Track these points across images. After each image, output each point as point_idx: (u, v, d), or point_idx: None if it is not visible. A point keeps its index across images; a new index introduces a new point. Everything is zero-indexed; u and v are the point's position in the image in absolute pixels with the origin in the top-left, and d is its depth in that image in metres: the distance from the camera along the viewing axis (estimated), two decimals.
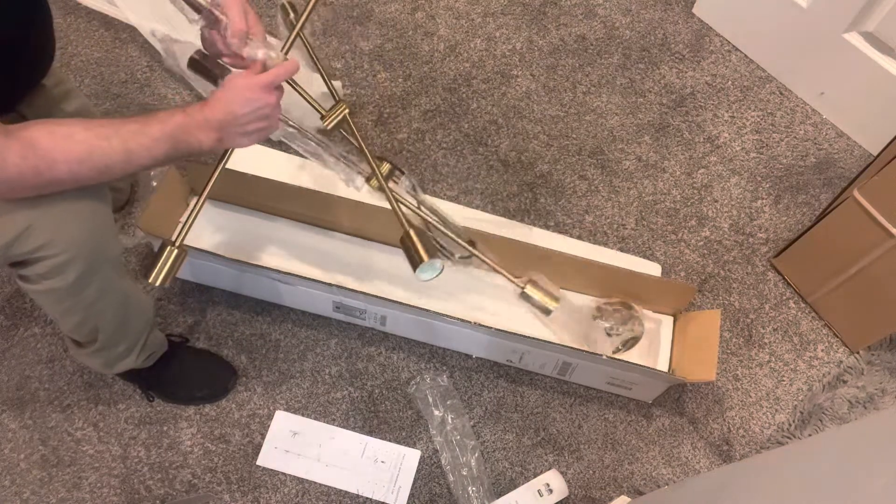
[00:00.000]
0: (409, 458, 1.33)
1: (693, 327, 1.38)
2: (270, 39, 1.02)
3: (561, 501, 1.32)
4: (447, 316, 1.28)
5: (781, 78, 1.86)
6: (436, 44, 1.86)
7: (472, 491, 1.30)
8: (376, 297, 1.30)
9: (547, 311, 1.25)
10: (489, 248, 1.32)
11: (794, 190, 1.70)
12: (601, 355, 1.29)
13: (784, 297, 1.56)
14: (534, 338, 1.29)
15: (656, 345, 1.41)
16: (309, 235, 1.45)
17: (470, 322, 1.28)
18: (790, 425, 1.41)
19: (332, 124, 1.16)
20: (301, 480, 1.30)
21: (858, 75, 1.67)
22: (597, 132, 1.75)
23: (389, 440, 1.35)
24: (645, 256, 1.59)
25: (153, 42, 1.69)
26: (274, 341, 1.42)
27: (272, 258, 1.41)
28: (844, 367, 1.48)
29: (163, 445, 1.31)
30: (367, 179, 1.19)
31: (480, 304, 1.39)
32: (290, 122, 1.15)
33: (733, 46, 1.91)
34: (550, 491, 1.31)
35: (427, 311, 1.29)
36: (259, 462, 1.31)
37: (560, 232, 1.60)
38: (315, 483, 1.30)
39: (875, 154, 1.47)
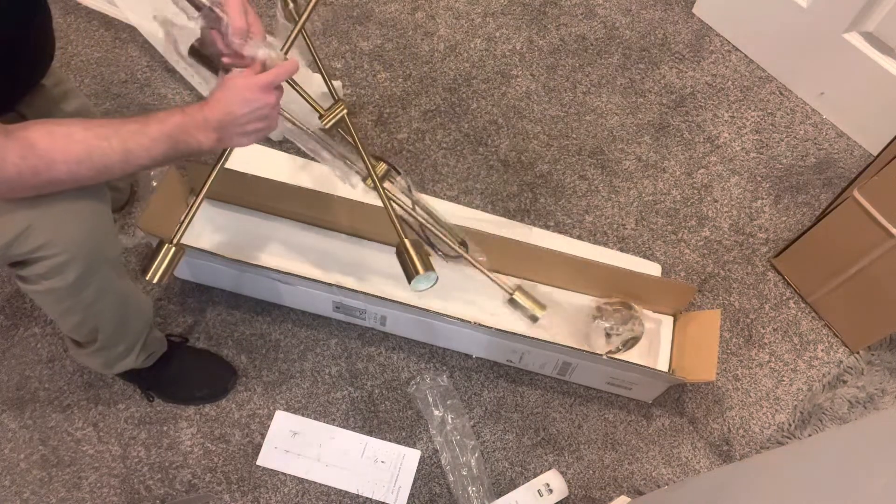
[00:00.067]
0: (409, 458, 1.33)
1: (693, 327, 1.38)
2: (270, 39, 1.02)
3: (561, 501, 1.32)
4: (447, 316, 1.28)
5: (781, 78, 1.86)
6: (436, 44, 1.86)
7: (472, 491, 1.30)
8: (376, 297, 1.29)
9: (534, 319, 1.26)
10: (491, 248, 1.32)
11: (794, 190, 1.70)
12: (601, 355, 1.29)
13: (784, 297, 1.56)
14: (534, 338, 1.29)
15: (656, 345, 1.41)
16: (309, 235, 1.45)
17: (470, 322, 1.28)
18: (790, 425, 1.41)
19: (330, 123, 1.16)
20: (301, 480, 1.30)
21: (858, 75, 1.67)
22: (597, 132, 1.75)
23: (389, 440, 1.35)
24: (645, 256, 1.58)
25: (152, 34, 1.68)
26: (274, 341, 1.42)
27: (272, 258, 1.41)
28: (844, 367, 1.48)
29: (163, 445, 1.31)
30: (364, 179, 1.20)
31: (480, 303, 1.39)
32: (290, 117, 1.15)
33: (733, 46, 1.91)
34: (550, 491, 1.31)
35: (427, 311, 1.29)
36: (259, 462, 1.31)
37: (560, 232, 1.60)
38: (315, 483, 1.30)
39: (875, 154, 1.47)
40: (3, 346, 1.37)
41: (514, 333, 1.29)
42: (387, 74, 1.79)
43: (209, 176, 1.04)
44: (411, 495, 1.30)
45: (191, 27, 0.99)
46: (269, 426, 1.34)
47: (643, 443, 1.39)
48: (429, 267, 1.06)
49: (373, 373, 1.41)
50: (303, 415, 1.35)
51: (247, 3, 0.98)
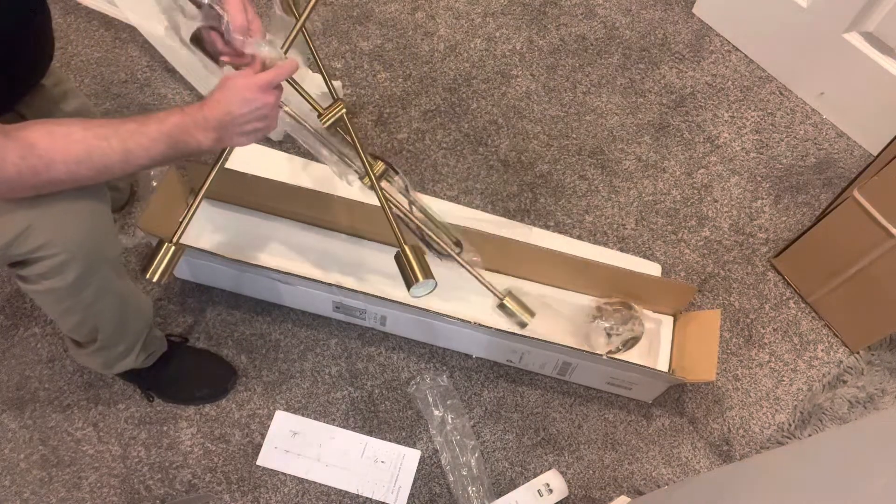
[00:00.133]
0: (409, 458, 1.33)
1: (693, 327, 1.38)
2: (269, 37, 1.02)
3: (561, 501, 1.32)
4: (447, 316, 1.28)
5: (781, 78, 1.86)
6: (436, 44, 1.86)
7: (472, 491, 1.29)
8: (376, 296, 1.29)
9: (523, 325, 1.26)
10: (491, 248, 1.32)
11: (794, 190, 1.70)
12: (601, 355, 1.29)
13: (784, 297, 1.56)
14: (534, 338, 1.29)
15: (656, 345, 1.41)
16: (309, 235, 1.45)
17: (470, 322, 1.28)
18: (790, 425, 1.41)
19: (329, 122, 1.16)
20: (301, 480, 1.30)
21: (858, 75, 1.67)
22: (597, 132, 1.75)
23: (389, 440, 1.35)
24: (645, 256, 1.58)
25: (152, 34, 1.68)
26: (274, 341, 1.42)
27: (272, 258, 1.41)
28: (844, 367, 1.48)
29: (163, 445, 1.31)
30: (361, 177, 1.20)
31: (480, 303, 1.39)
32: (291, 112, 1.15)
33: (733, 46, 1.91)
34: (550, 491, 1.31)
35: (427, 311, 1.29)
36: (259, 462, 1.31)
37: (560, 232, 1.60)
38: (315, 483, 1.30)
39: (875, 154, 1.47)
40: (3, 346, 1.37)
41: (514, 333, 1.29)
42: (387, 74, 1.79)
43: (209, 176, 1.04)
44: (411, 495, 1.30)
45: (194, 12, 0.99)
46: (269, 426, 1.34)
47: (643, 443, 1.39)
48: (428, 274, 1.07)
49: (373, 373, 1.41)
50: (303, 415, 1.35)
51: (246, 1, 0.99)
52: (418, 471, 1.32)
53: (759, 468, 0.81)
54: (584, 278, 1.42)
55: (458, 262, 1.24)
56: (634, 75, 1.85)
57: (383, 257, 1.43)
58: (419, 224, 1.23)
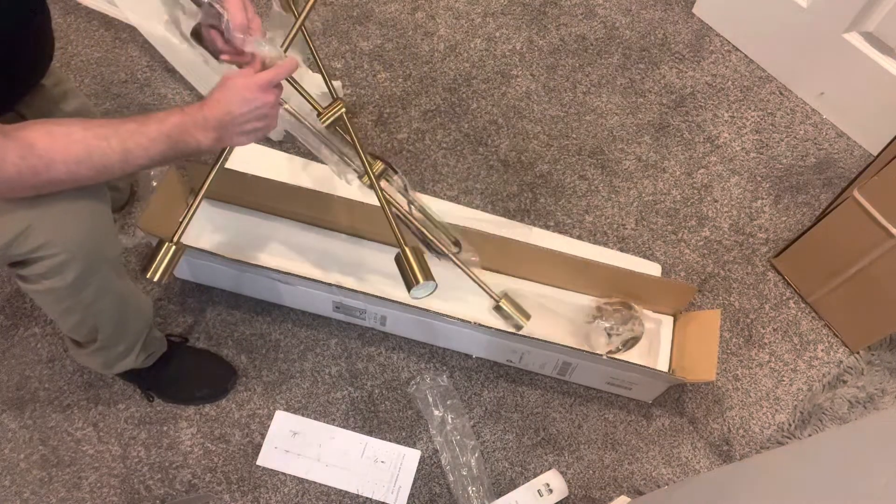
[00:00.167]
0: (409, 458, 1.33)
1: (693, 327, 1.38)
2: (269, 36, 1.02)
3: (561, 501, 1.32)
4: (447, 316, 1.28)
5: (781, 78, 1.86)
6: (436, 44, 1.86)
7: (472, 491, 1.29)
8: (376, 297, 1.29)
9: (519, 327, 1.26)
10: (491, 248, 1.32)
11: (794, 190, 1.70)
12: (601, 355, 1.29)
13: (784, 297, 1.56)
14: (534, 338, 1.29)
15: (656, 345, 1.41)
16: (309, 235, 1.45)
17: (470, 322, 1.28)
18: (790, 425, 1.41)
19: (328, 121, 1.16)
20: (301, 480, 1.30)
21: (858, 75, 1.67)
22: (597, 132, 1.75)
23: (389, 440, 1.35)
24: (645, 256, 1.58)
25: (152, 34, 1.68)
26: (274, 341, 1.42)
27: (272, 258, 1.41)
28: (844, 367, 1.48)
29: (163, 445, 1.31)
30: (360, 177, 1.20)
31: (480, 303, 1.39)
32: (291, 110, 1.15)
33: (733, 46, 1.91)
34: (550, 491, 1.31)
35: (427, 311, 1.29)
36: (259, 462, 1.31)
37: (560, 232, 1.60)
38: (315, 483, 1.30)
39: (875, 154, 1.47)
40: (3, 346, 1.37)
41: (514, 333, 1.29)
42: (387, 74, 1.79)
43: (209, 176, 1.04)
44: (411, 495, 1.30)
45: (195, 9, 0.99)
46: (269, 426, 1.34)
47: (643, 443, 1.39)
48: (428, 276, 1.07)
49: (373, 373, 1.41)
50: (303, 415, 1.35)
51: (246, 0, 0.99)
52: (418, 471, 1.32)
53: (759, 468, 0.81)
54: (584, 278, 1.42)
55: (456, 264, 1.25)
56: (634, 75, 1.85)
57: (383, 257, 1.43)
58: (418, 224, 1.23)
